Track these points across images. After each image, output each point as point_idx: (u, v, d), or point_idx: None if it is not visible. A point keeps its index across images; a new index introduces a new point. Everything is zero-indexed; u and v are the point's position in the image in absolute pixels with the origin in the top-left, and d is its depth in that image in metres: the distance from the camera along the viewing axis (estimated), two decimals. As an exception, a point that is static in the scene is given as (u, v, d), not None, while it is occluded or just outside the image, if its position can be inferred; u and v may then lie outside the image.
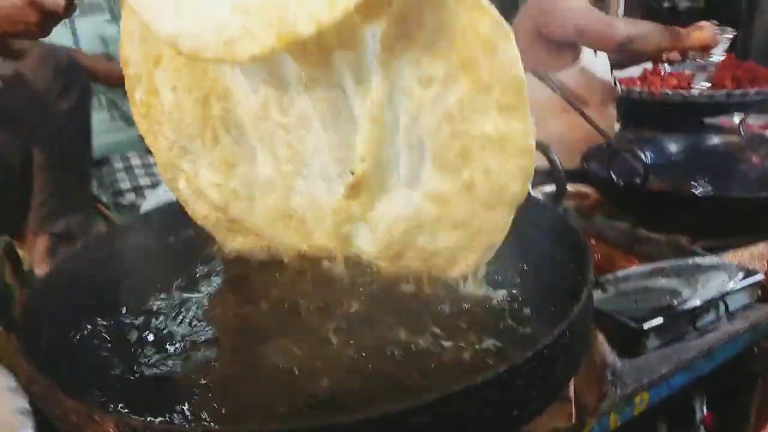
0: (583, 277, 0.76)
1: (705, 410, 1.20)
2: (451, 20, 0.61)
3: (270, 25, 0.56)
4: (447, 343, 0.73)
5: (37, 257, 1.37)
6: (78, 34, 7.60)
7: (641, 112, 2.58)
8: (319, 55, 0.66)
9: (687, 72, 2.74)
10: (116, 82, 1.85)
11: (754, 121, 2.17)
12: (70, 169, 1.52)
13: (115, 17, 6.86)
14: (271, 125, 0.75)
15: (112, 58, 6.75)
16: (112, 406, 0.68)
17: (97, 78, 1.84)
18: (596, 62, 2.11)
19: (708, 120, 2.34)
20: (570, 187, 1.76)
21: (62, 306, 0.87)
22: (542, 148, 0.97)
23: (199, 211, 0.87)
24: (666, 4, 5.82)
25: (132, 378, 0.74)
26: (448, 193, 0.71)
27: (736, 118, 2.27)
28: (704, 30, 1.89)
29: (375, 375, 0.70)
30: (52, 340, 0.81)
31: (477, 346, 0.72)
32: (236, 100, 0.75)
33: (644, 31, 1.91)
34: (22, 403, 0.70)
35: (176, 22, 0.61)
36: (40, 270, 1.23)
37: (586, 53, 2.06)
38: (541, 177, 1.42)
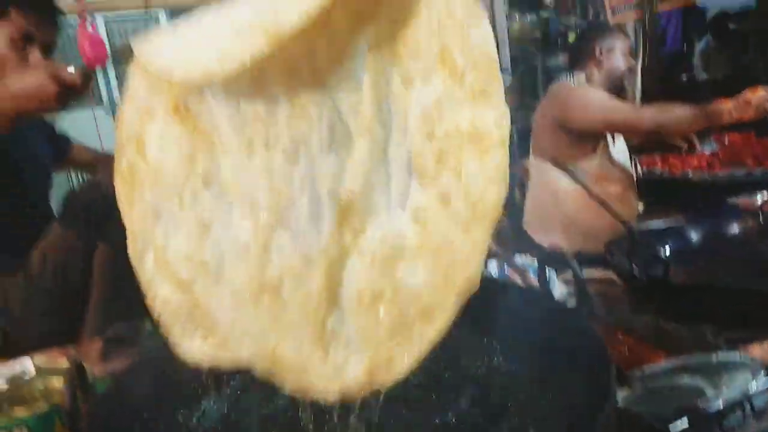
0: (606, 393, 0.81)
1: None
2: (431, 11, 0.64)
3: (258, 27, 0.60)
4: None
5: (90, 360, 1.46)
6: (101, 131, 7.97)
7: (663, 193, 2.64)
8: (312, 76, 0.68)
9: (707, 152, 2.82)
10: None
11: (777, 199, 2.20)
12: (128, 272, 1.63)
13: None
14: (253, 174, 0.73)
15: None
16: None
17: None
18: (615, 152, 2.20)
19: (731, 200, 2.37)
20: (598, 273, 1.82)
21: (124, 418, 0.95)
22: (569, 263, 1.04)
23: (161, 294, 0.80)
24: (684, 77, 5.98)
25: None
26: (427, 208, 0.69)
27: (759, 197, 2.31)
28: (746, 105, 1.93)
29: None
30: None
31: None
32: (221, 149, 0.74)
33: (674, 117, 1.96)
34: None
35: (173, 52, 0.67)
36: (97, 372, 1.32)
37: (605, 145, 2.16)
38: (560, 264, 1.49)
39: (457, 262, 0.67)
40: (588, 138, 2.14)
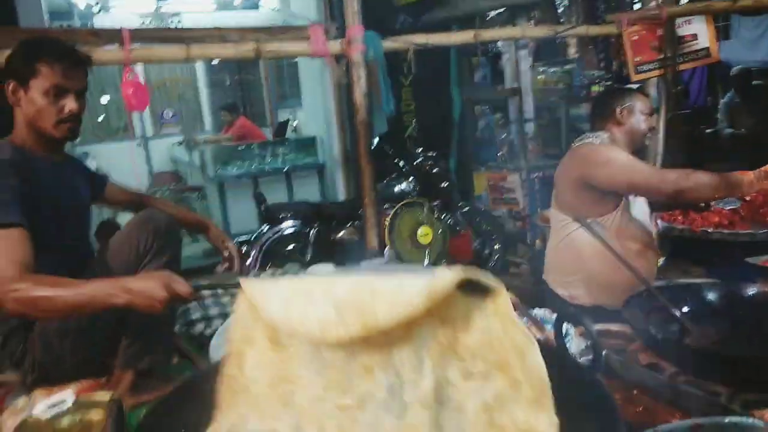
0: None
1: None
2: (490, 328, 0.82)
3: (358, 316, 0.77)
4: None
5: (121, 391, 1.52)
6: (151, 155, 8.28)
7: (683, 248, 2.67)
8: (385, 346, 0.84)
9: (727, 209, 2.83)
10: (191, 226, 2.10)
11: (799, 261, 2.21)
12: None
13: (188, 143, 7.40)
14: (327, 406, 0.88)
15: (180, 178, 7.27)
16: None
17: (181, 223, 2.07)
18: (635, 210, 2.23)
19: (750, 259, 2.39)
20: (616, 327, 1.85)
21: None
22: (584, 324, 1.09)
23: None
24: (708, 131, 6.01)
25: None
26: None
27: (782, 259, 2.32)
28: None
29: None
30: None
31: None
32: (302, 383, 0.90)
33: (697, 183, 1.97)
34: None
35: (283, 308, 0.86)
36: (127, 404, 1.39)
37: (625, 203, 2.19)
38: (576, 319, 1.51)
39: None
40: (609, 196, 2.18)
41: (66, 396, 1.16)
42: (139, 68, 7.78)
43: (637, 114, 2.26)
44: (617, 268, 2.02)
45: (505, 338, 0.80)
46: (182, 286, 1.39)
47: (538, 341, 1.35)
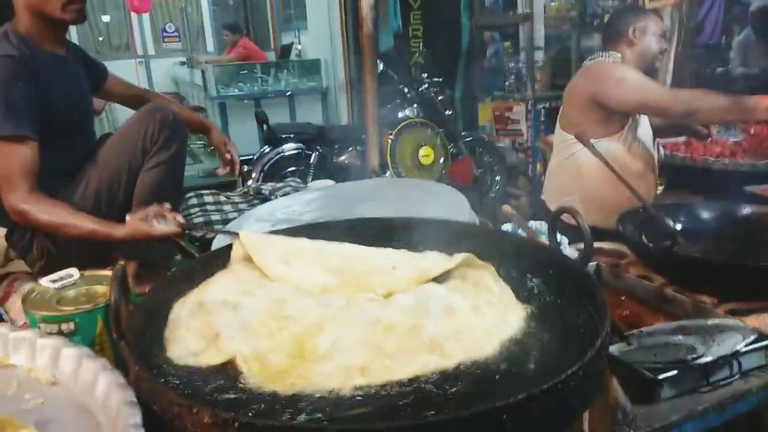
0: (601, 329, 0.89)
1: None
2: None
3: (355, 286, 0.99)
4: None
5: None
6: (152, 74, 8.21)
7: (683, 177, 2.67)
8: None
9: (730, 141, 2.83)
10: (193, 127, 2.09)
11: (796, 191, 2.23)
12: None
13: (189, 61, 7.32)
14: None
15: (181, 98, 7.22)
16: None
17: None
18: (641, 129, 2.22)
19: (749, 188, 2.40)
20: (609, 246, 1.88)
21: (158, 319, 1.06)
22: (572, 212, 1.11)
23: None
24: (719, 69, 5.88)
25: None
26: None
27: (779, 188, 2.33)
28: None
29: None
30: (153, 346, 0.99)
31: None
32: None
33: (708, 105, 1.95)
34: (130, 396, 0.87)
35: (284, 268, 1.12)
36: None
37: (630, 125, 2.18)
38: (574, 235, 1.55)
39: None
40: (617, 116, 2.17)
41: (72, 272, 1.19)
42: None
43: (650, 35, 2.22)
44: (616, 188, 2.03)
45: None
46: (167, 228, 1.47)
47: (536, 244, 1.38)
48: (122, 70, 7.68)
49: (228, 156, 1.97)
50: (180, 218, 1.49)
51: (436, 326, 0.94)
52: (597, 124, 2.18)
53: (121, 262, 1.02)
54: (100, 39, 8.20)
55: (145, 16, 7.95)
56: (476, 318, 0.97)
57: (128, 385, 0.91)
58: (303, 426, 0.72)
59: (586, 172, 2.19)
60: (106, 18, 8.17)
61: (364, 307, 1.02)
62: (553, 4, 4.72)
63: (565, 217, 1.81)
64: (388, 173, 3.35)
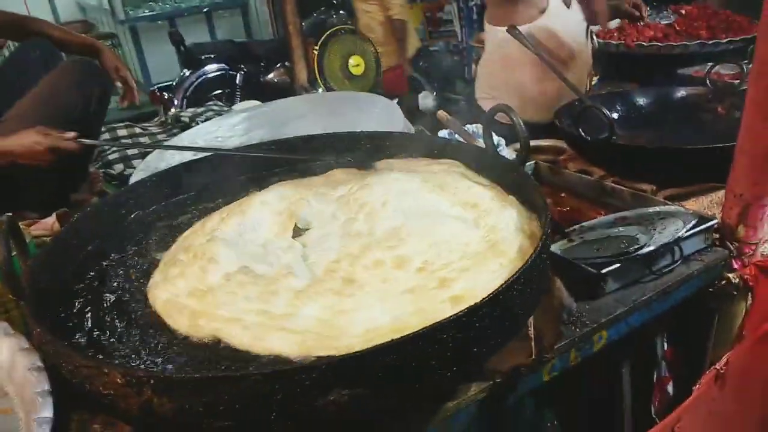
0: (541, 234, 0.84)
1: (666, 346, 1.30)
2: None
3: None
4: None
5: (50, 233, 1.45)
6: (55, 3, 7.48)
7: (618, 66, 2.63)
8: None
9: (662, 23, 2.78)
10: (82, 52, 1.89)
11: (727, 71, 2.21)
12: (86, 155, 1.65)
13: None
14: None
15: (90, 26, 6.64)
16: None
17: (69, 50, 1.87)
18: (567, 18, 2.12)
19: (682, 70, 2.38)
20: (547, 142, 1.84)
21: (59, 274, 0.95)
22: (506, 110, 1.04)
23: None
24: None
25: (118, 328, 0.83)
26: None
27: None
28: None
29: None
30: (55, 304, 0.89)
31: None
32: None
33: None
34: (36, 360, 0.78)
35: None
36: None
37: (555, 8, 2.07)
38: (512, 136, 1.49)
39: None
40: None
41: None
42: None
43: None
44: (545, 77, 1.99)
45: None
46: (63, 141, 1.40)
47: (474, 147, 1.32)
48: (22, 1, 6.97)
49: (120, 83, 1.79)
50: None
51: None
52: (515, 11, 2.07)
53: (8, 213, 0.90)
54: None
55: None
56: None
57: (33, 349, 0.82)
58: (222, 376, 0.65)
59: (515, 62, 2.11)
60: (69, 135, 7.30)
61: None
62: None
63: (501, 117, 1.75)
64: (319, 89, 3.18)
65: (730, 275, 1.21)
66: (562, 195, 1.45)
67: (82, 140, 1.42)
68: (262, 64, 4.20)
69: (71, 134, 1.41)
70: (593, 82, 2.60)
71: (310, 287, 0.84)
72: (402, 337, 0.65)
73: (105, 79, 1.73)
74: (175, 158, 1.57)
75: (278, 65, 4.17)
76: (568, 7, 2.10)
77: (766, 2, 1.03)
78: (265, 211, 1.04)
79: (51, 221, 1.51)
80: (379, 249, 0.89)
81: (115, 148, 2.03)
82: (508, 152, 1.70)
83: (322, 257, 0.92)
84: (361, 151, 1.26)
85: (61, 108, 1.53)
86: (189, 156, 1.32)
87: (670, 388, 1.33)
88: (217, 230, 1.00)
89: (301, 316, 0.78)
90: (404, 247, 0.88)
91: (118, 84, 1.80)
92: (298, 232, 1.02)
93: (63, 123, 1.48)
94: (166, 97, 3.73)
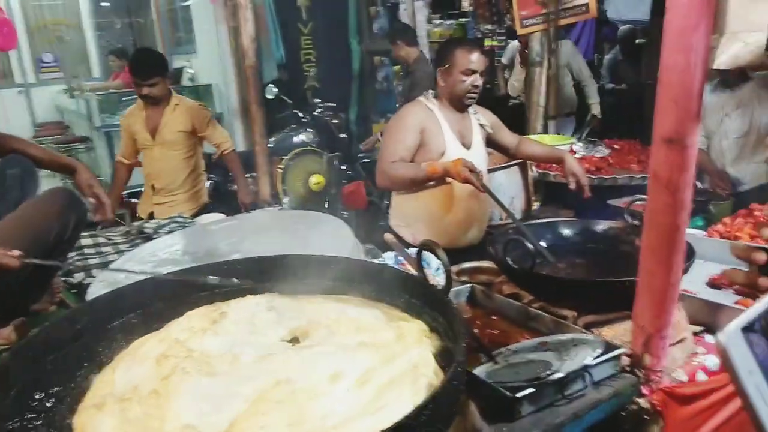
0: (452, 362, 0.95)
1: (586, 468, 1.38)
2: None
3: None
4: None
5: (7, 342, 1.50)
6: (33, 103, 7.70)
7: (556, 193, 2.88)
8: None
9: (596, 156, 3.07)
10: (59, 170, 2.02)
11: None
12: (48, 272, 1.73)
13: (71, 90, 6.96)
14: None
15: (65, 128, 6.80)
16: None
17: (47, 167, 1.99)
18: (475, 154, 2.35)
19: (611, 201, 2.61)
20: (488, 264, 1.99)
21: (14, 387, 1.01)
22: (431, 246, 1.18)
23: None
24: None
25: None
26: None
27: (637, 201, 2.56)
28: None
29: None
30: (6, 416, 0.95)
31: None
32: None
33: (399, 174, 2.24)
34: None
35: None
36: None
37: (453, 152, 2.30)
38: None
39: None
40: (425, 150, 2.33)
41: None
42: (15, 8, 7.13)
43: (456, 72, 2.28)
44: (455, 207, 2.22)
45: None
46: (6, 257, 1.43)
47: (403, 274, 1.44)
48: (1, 100, 7.19)
49: (93, 200, 1.91)
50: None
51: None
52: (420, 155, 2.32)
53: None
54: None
55: (23, 44, 7.48)
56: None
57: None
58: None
59: (427, 197, 2.33)
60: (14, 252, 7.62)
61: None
62: (436, 30, 4.93)
63: (411, 237, 1.89)
64: (285, 200, 3.34)
65: (640, 401, 1.32)
66: (494, 318, 1.57)
67: (27, 260, 1.48)
68: (230, 173, 4.38)
69: (16, 252, 1.47)
70: (534, 207, 2.84)
71: None
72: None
73: (83, 207, 1.83)
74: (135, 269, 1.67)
75: (247, 175, 4.35)
76: (468, 148, 2.34)
77: (650, 167, 1.23)
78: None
79: (8, 331, 1.56)
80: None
81: (76, 257, 2.11)
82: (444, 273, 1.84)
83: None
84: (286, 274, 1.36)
85: (39, 233, 1.62)
86: (149, 268, 1.41)
87: None
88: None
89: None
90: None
91: (91, 200, 1.91)
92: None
93: (39, 248, 1.57)
94: (133, 201, 3.84)
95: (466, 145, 2.34)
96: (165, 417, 0.92)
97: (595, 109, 4.70)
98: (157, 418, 0.92)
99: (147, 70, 3.02)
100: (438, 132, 2.27)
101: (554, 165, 2.93)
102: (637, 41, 6.59)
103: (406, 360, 0.96)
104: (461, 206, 2.25)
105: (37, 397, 1.03)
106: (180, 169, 3.22)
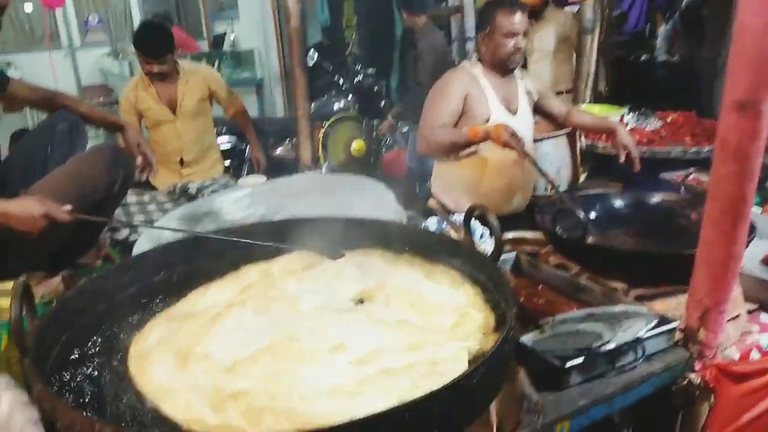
0: (506, 324, 0.93)
1: (631, 441, 1.35)
2: None
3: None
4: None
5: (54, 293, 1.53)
6: (78, 66, 7.80)
7: (605, 165, 2.78)
8: None
9: (648, 129, 2.96)
10: (107, 127, 2.04)
11: (707, 177, 2.34)
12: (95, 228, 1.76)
13: (115, 52, 7.02)
14: None
15: (110, 90, 6.89)
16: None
17: (95, 124, 2.01)
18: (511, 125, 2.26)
19: (664, 174, 2.52)
20: (532, 235, 1.95)
21: (65, 333, 1.03)
22: (483, 210, 1.15)
23: None
24: (643, 57, 6.13)
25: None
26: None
27: (692, 176, 2.46)
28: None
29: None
30: (58, 363, 0.97)
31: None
32: None
33: (441, 137, 2.15)
34: (34, 415, 0.85)
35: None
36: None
37: (498, 118, 2.22)
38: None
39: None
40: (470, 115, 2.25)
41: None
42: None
43: (498, 34, 2.20)
44: (497, 175, 2.17)
45: None
46: (58, 211, 1.42)
47: (451, 240, 1.42)
48: (47, 62, 7.33)
49: (140, 159, 1.91)
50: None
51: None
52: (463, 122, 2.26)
53: (22, 277, 0.99)
54: (23, 29, 7.77)
55: (69, 6, 7.57)
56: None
57: (32, 404, 0.89)
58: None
59: (467, 165, 2.27)
60: (28, 7, 7.74)
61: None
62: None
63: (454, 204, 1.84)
64: (324, 167, 3.33)
65: (692, 376, 1.28)
66: (540, 288, 1.54)
67: (78, 215, 1.48)
68: (270, 139, 4.39)
69: (67, 207, 1.47)
70: (581, 179, 2.75)
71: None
72: (365, 417, 0.73)
73: (130, 165, 1.83)
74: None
75: (286, 142, 4.36)
76: (514, 114, 2.26)
77: (719, 125, 1.16)
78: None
79: (56, 282, 1.59)
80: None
81: (121, 213, 2.15)
82: (490, 240, 1.80)
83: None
84: (337, 236, 1.35)
85: (87, 188, 1.63)
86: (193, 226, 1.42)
87: (635, 483, 1.37)
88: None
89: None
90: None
91: (139, 159, 1.93)
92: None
93: (86, 202, 1.59)
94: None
95: (512, 111, 2.27)
96: (200, 341, 1.00)
97: None
98: (195, 339, 1.01)
99: (158, 48, 2.90)
100: (482, 98, 2.21)
101: (604, 136, 2.84)
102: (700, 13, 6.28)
103: (430, 353, 0.93)
104: (504, 173, 2.18)
105: (89, 342, 1.06)
106: (206, 136, 3.19)
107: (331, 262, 1.28)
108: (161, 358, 0.97)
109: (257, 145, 3.37)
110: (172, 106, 3.05)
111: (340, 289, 1.18)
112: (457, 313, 1.04)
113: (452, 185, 2.33)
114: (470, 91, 2.22)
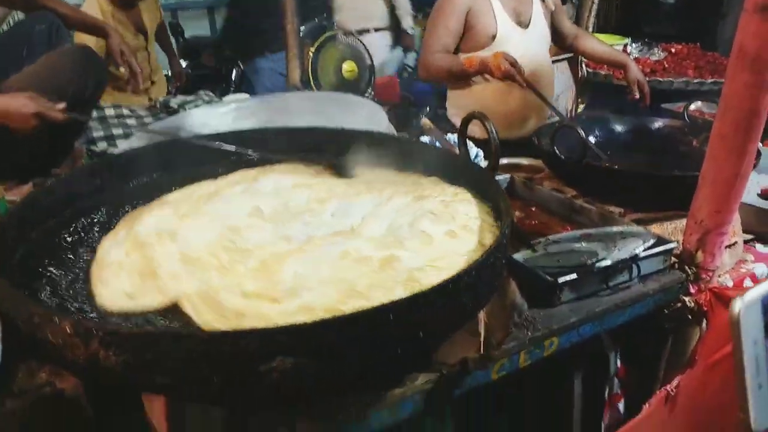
0: (499, 233, 0.87)
1: (619, 363, 1.33)
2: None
3: None
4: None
5: None
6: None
7: (605, 95, 2.69)
8: None
9: (651, 59, 2.85)
10: (90, 32, 1.91)
11: (708, 109, 2.27)
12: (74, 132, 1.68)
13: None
14: None
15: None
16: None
17: (78, 28, 1.88)
18: (521, 39, 2.13)
19: (666, 105, 2.44)
20: (526, 161, 1.88)
21: (28, 231, 0.96)
22: (480, 117, 1.07)
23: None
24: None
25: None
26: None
27: (694, 106, 2.38)
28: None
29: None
30: (21, 260, 0.90)
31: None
32: None
33: (440, 63, 2.09)
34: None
35: None
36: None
37: (506, 32, 2.11)
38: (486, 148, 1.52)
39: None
40: (474, 33, 2.12)
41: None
42: None
43: None
44: (509, 97, 2.06)
45: None
46: (51, 110, 1.39)
47: (448, 152, 1.35)
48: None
49: (125, 69, 1.79)
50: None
51: (411, 257, 0.88)
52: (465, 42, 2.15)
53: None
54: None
55: None
56: (453, 244, 0.92)
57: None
58: (165, 332, 0.66)
59: (480, 87, 2.17)
60: (60, 106, 7.30)
61: (329, 239, 0.95)
62: None
63: (478, 133, 1.78)
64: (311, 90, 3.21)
65: (686, 299, 1.24)
66: (533, 209, 1.48)
67: (71, 113, 1.42)
68: (259, 62, 4.22)
69: (61, 105, 1.41)
70: (579, 108, 2.67)
71: None
72: (350, 313, 0.68)
73: (102, 68, 1.72)
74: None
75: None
76: (526, 28, 2.12)
77: (735, 42, 1.08)
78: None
79: (27, 189, 1.52)
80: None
81: (99, 127, 2.05)
82: (485, 164, 1.74)
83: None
84: (334, 148, 1.28)
85: (56, 88, 1.52)
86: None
87: (620, 406, 1.36)
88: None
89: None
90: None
91: (122, 69, 1.81)
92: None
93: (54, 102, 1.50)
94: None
95: (523, 24, 2.10)
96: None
97: (407, 23, 4.29)
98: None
99: None
100: (487, 10, 2.05)
101: (606, 67, 2.73)
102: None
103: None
104: (516, 95, 2.06)
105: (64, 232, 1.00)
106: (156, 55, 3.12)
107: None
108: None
109: (176, 60, 3.35)
110: (144, 32, 2.93)
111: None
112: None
113: (465, 109, 2.24)
114: (473, 5, 2.08)
